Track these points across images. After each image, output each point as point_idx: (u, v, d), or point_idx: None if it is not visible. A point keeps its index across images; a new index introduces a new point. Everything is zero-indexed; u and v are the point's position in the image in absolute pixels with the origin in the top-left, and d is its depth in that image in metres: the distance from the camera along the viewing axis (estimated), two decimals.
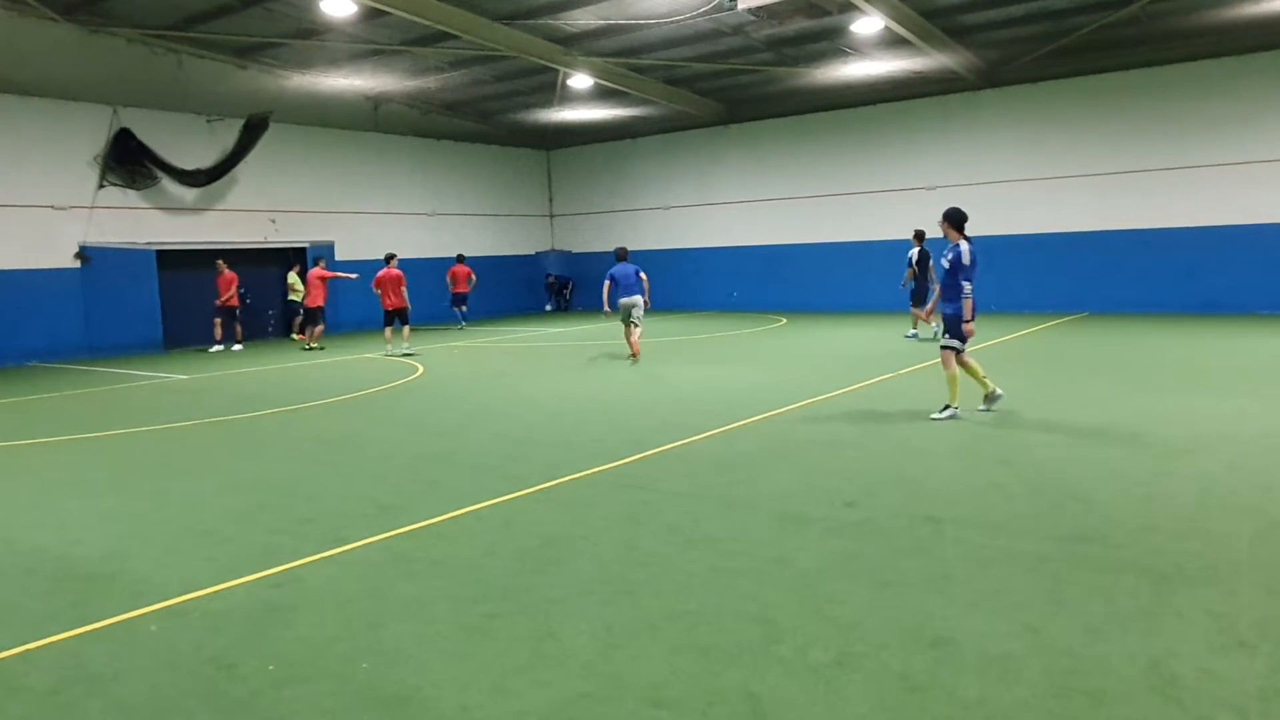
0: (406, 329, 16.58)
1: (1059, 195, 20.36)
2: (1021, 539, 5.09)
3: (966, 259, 8.38)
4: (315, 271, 18.58)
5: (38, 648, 4.09)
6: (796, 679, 3.53)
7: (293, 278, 20.90)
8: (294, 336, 20.96)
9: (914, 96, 21.79)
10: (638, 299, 14.01)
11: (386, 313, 16.56)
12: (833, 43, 18.07)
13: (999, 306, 21.16)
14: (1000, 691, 3.37)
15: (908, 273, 16.08)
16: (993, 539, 5.11)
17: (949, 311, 8.65)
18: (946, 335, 8.77)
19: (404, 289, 16.48)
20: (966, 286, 8.37)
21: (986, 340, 15.17)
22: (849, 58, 19.06)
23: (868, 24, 16.06)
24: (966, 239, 8.47)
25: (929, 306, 13.11)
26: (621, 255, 14.49)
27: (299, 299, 21.02)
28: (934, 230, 10.63)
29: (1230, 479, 6.19)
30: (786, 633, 3.95)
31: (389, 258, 16.85)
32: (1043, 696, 3.32)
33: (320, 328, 18.37)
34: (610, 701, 3.42)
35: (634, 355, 14.02)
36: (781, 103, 23.48)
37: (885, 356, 13.49)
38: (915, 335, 16.04)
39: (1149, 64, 18.89)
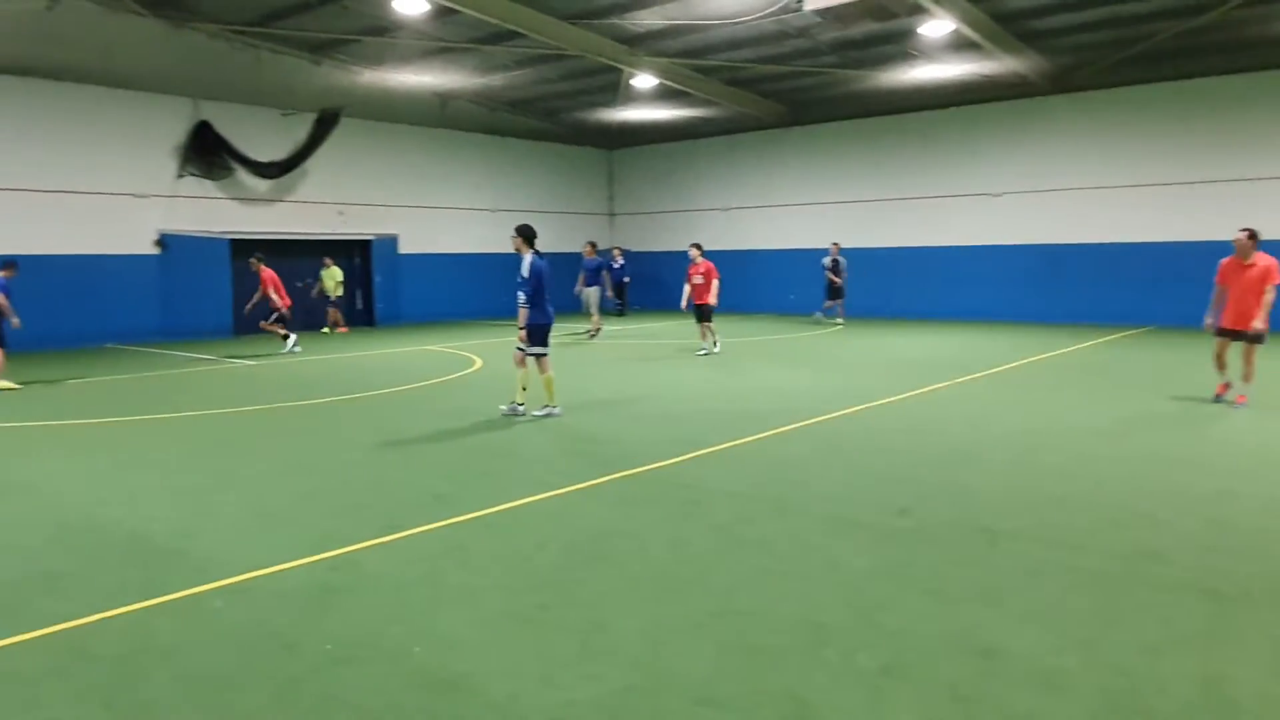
0: (705, 327, 15.20)
1: (1129, 204, 19.82)
2: (1079, 554, 5.00)
3: (525, 270, 9.10)
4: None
5: (110, 617, 4.27)
6: (843, 684, 3.52)
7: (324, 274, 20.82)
8: (324, 330, 20.88)
9: (981, 101, 21.41)
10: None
11: (696, 308, 15.24)
12: (899, 46, 17.84)
13: (1063, 317, 20.69)
14: (1051, 706, 3.32)
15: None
16: (1049, 552, 5.02)
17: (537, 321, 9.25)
18: (532, 344, 9.34)
19: (715, 282, 15.03)
20: (520, 296, 9.14)
21: (1050, 351, 14.85)
22: (915, 61, 18.80)
23: (936, 27, 15.83)
24: (537, 253, 9.20)
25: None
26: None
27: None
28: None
29: None
30: (834, 637, 3.95)
31: (697, 247, 15.52)
32: (1095, 713, 3.27)
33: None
34: (656, 696, 3.45)
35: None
36: (845, 105, 23.27)
37: (942, 364, 13.29)
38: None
39: (1227, 71, 18.27)
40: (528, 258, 9.11)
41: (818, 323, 21.10)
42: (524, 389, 9.38)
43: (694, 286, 15.15)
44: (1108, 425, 8.68)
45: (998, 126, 21.54)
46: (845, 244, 24.12)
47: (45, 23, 14.63)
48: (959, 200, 22.25)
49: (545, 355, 9.38)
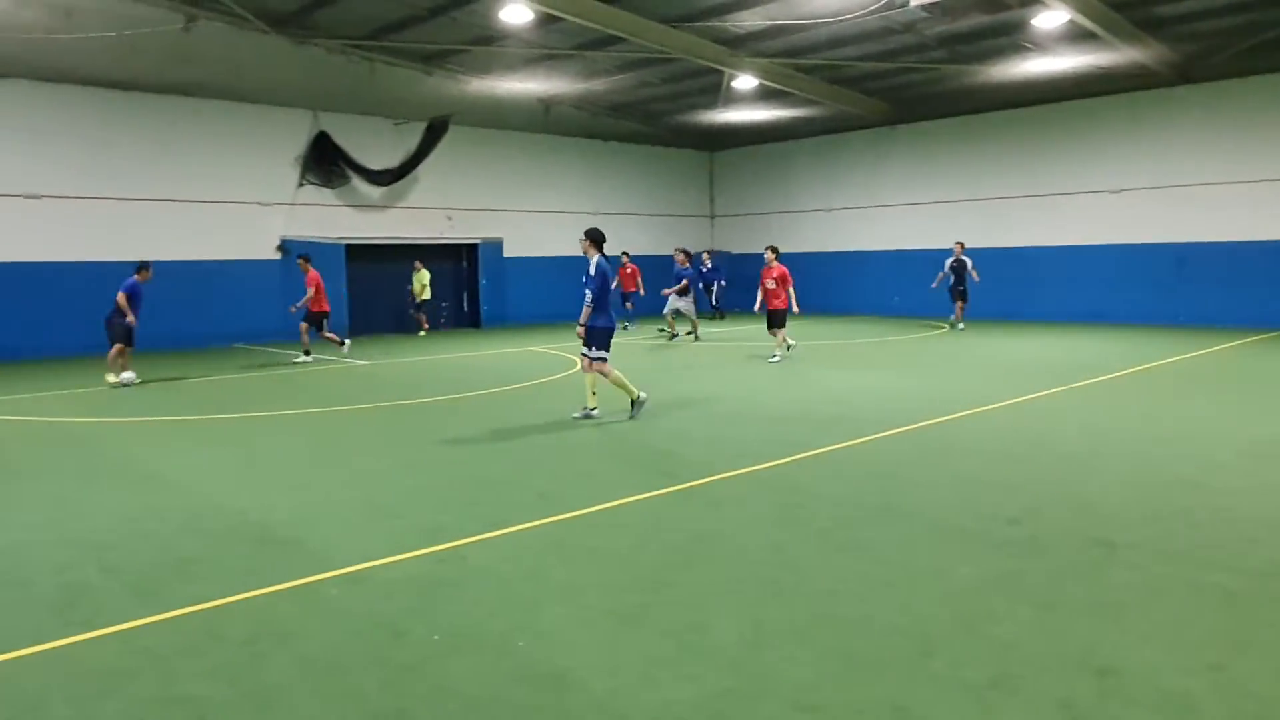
0: (779, 333, 14.68)
1: (1263, 199, 18.62)
2: (1206, 569, 4.73)
3: (592, 270, 9.23)
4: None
5: (236, 601, 4.52)
6: (948, 696, 3.43)
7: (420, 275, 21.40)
8: (421, 333, 21.34)
9: (1098, 94, 20.48)
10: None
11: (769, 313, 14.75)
12: (1011, 38, 17.22)
13: (1190, 320, 19.59)
14: None
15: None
16: (1173, 568, 4.77)
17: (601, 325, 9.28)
18: (594, 348, 9.24)
19: (789, 287, 14.53)
20: (587, 295, 9.18)
21: (1176, 355, 14.09)
22: (1028, 54, 18.10)
23: (1050, 18, 15.22)
24: (605, 256, 9.40)
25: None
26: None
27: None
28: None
29: None
30: (939, 647, 3.85)
31: (773, 250, 14.91)
32: None
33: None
34: (756, 700, 3.44)
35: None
36: (953, 102, 22.59)
37: (1059, 368, 12.75)
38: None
39: None
40: (595, 259, 9.25)
41: (958, 330, 19.68)
42: (594, 393, 9.43)
43: (767, 291, 14.60)
44: (1240, 434, 8.17)
45: (1118, 120, 20.56)
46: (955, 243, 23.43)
47: (181, 43, 15.59)
48: (1077, 198, 21.33)
49: (605, 360, 9.31)
